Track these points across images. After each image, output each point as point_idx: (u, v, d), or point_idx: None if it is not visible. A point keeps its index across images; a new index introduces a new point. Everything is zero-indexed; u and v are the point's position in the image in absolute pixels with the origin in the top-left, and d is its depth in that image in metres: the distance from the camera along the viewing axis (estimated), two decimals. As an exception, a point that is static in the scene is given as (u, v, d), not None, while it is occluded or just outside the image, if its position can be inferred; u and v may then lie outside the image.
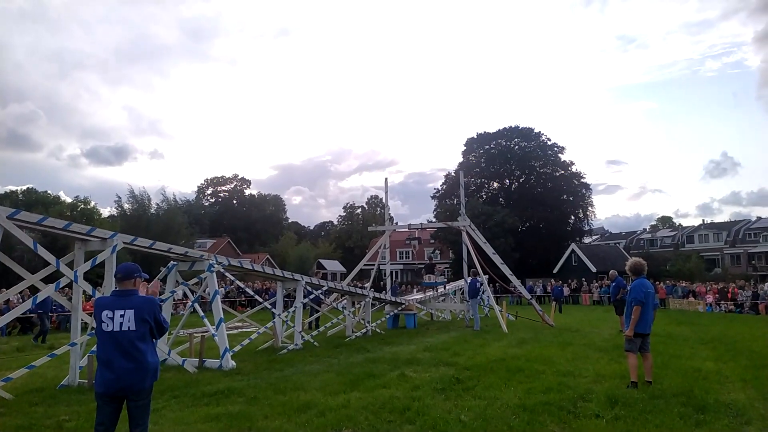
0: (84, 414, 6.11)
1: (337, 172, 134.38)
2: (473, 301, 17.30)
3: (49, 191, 59.85)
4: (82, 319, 8.74)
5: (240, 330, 16.29)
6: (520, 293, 21.27)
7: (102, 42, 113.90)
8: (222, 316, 10.25)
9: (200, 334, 11.34)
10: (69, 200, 50.87)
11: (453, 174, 52.24)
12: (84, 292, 8.80)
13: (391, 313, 17.34)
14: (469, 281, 18.08)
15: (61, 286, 8.56)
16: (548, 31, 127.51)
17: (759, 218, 60.78)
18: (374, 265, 21.84)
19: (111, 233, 8.87)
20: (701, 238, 60.31)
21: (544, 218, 50.74)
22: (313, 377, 8.44)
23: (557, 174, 53.48)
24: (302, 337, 12.53)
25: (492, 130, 55.58)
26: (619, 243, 62.21)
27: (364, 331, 14.77)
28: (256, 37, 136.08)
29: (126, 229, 28.85)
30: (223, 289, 25.89)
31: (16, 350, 13.39)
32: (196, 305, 11.52)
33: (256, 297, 15.79)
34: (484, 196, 53.40)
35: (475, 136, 56.00)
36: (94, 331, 5.52)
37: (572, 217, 53.56)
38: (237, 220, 77.01)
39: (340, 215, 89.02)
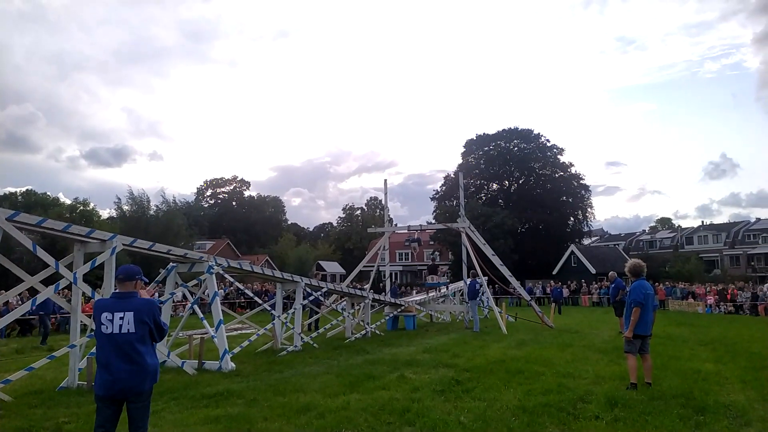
0: (83, 416, 6.10)
1: (337, 173, 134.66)
2: (473, 303, 17.31)
3: (48, 193, 59.87)
4: (81, 321, 8.74)
5: (239, 332, 16.27)
6: (520, 295, 21.25)
7: (101, 43, 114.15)
8: (221, 318, 10.24)
9: (199, 336, 11.32)
10: (68, 202, 50.97)
11: (452, 175, 52.26)
12: (83, 293, 8.78)
13: (391, 315, 17.35)
14: (468, 282, 18.09)
15: (60, 287, 8.56)
16: (548, 32, 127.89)
17: (758, 219, 60.84)
18: (374, 266, 21.85)
19: (110, 235, 8.86)
20: (700, 240, 60.35)
21: (544, 220, 50.73)
22: (313, 379, 8.44)
23: (556, 175, 53.49)
24: (302, 338, 12.52)
25: (491, 131, 55.72)
26: (618, 244, 62.19)
27: (363, 332, 14.76)
28: (256, 39, 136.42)
29: (125, 231, 28.87)
30: (222, 290, 25.92)
31: (15, 352, 13.37)
32: (196, 307, 11.55)
33: (256, 298, 15.86)
34: (484, 198, 53.41)
35: (475, 138, 56.05)
36: (93, 333, 5.52)
37: (571, 219, 53.54)
38: (236, 221, 76.96)
39: (339, 217, 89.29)
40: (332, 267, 65.02)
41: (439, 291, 20.49)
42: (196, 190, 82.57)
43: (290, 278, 13.17)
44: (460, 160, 56.75)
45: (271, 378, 8.67)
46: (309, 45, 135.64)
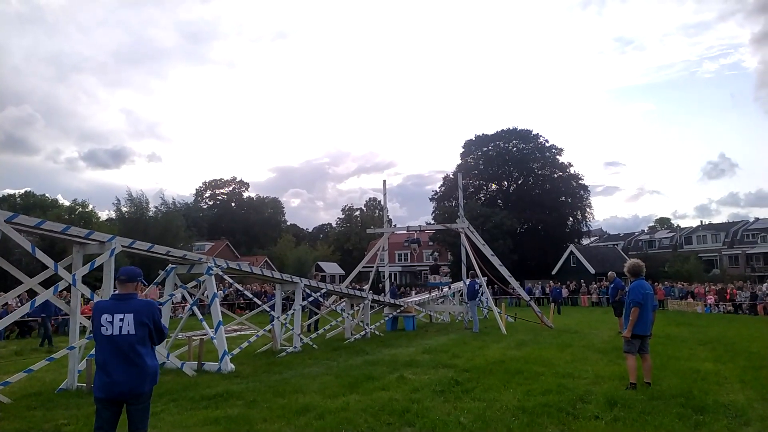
0: (83, 418, 6.10)
1: (336, 174, 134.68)
2: (472, 303, 17.32)
3: (47, 194, 60.02)
4: (80, 323, 8.73)
5: (239, 333, 16.26)
6: (519, 295, 21.25)
7: (100, 45, 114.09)
8: (221, 319, 10.24)
9: (199, 337, 11.31)
10: (67, 203, 50.97)
11: (451, 176, 52.28)
12: (82, 295, 8.78)
13: (390, 316, 17.35)
14: (467, 283, 18.10)
15: (59, 289, 8.55)
16: (546, 33, 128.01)
17: (757, 219, 60.91)
18: (373, 267, 21.86)
19: (109, 236, 8.87)
20: (699, 239, 60.40)
21: (543, 220, 50.76)
22: (312, 380, 8.44)
23: (555, 176, 53.55)
24: (301, 339, 12.52)
25: (490, 132, 55.73)
26: (617, 244, 62.28)
27: (363, 333, 14.75)
28: (255, 40, 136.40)
29: (124, 233, 28.89)
30: (221, 291, 25.90)
31: (14, 354, 13.35)
32: (195, 308, 11.53)
33: (255, 300, 15.82)
34: (483, 198, 53.44)
35: (474, 138, 56.11)
36: (92, 335, 5.52)
37: (570, 219, 53.60)
38: (235, 222, 76.92)
39: (338, 217, 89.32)
40: (331, 268, 65.05)
41: (442, 291, 20.51)
42: (195, 192, 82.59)
43: (289, 279, 13.16)
44: (459, 161, 56.89)
45: (270, 379, 8.67)
46: (308, 46, 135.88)
